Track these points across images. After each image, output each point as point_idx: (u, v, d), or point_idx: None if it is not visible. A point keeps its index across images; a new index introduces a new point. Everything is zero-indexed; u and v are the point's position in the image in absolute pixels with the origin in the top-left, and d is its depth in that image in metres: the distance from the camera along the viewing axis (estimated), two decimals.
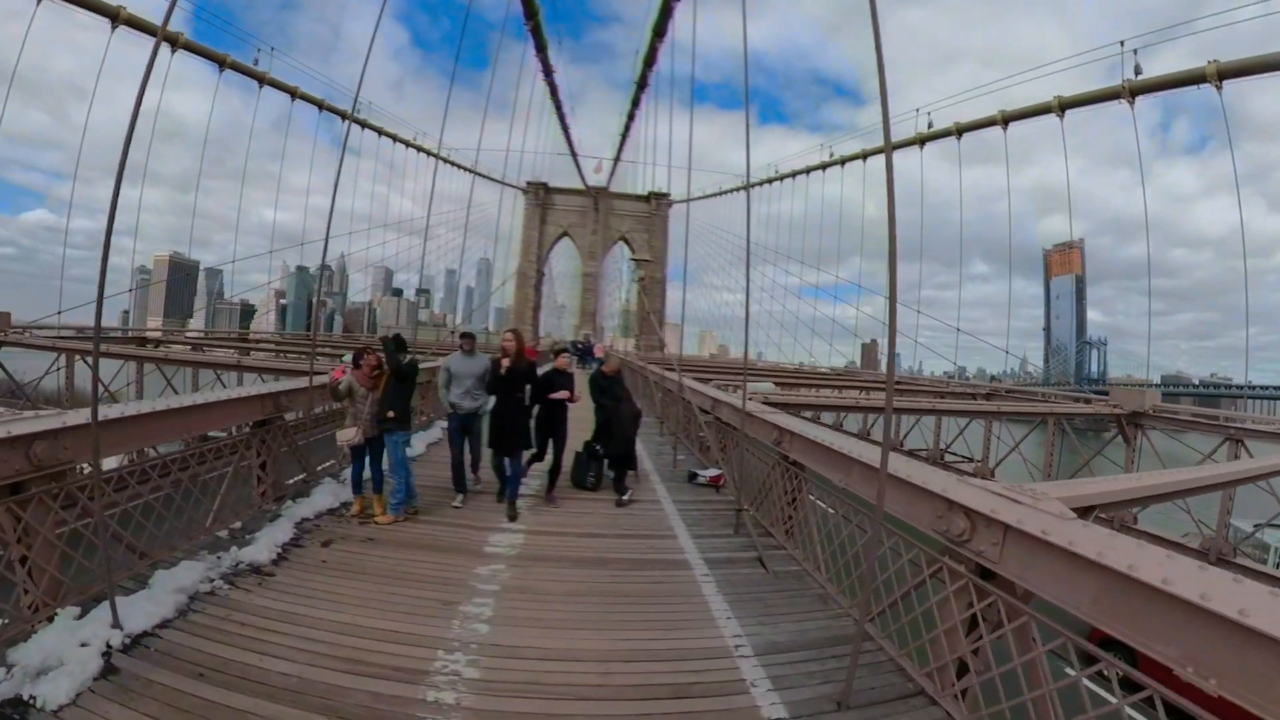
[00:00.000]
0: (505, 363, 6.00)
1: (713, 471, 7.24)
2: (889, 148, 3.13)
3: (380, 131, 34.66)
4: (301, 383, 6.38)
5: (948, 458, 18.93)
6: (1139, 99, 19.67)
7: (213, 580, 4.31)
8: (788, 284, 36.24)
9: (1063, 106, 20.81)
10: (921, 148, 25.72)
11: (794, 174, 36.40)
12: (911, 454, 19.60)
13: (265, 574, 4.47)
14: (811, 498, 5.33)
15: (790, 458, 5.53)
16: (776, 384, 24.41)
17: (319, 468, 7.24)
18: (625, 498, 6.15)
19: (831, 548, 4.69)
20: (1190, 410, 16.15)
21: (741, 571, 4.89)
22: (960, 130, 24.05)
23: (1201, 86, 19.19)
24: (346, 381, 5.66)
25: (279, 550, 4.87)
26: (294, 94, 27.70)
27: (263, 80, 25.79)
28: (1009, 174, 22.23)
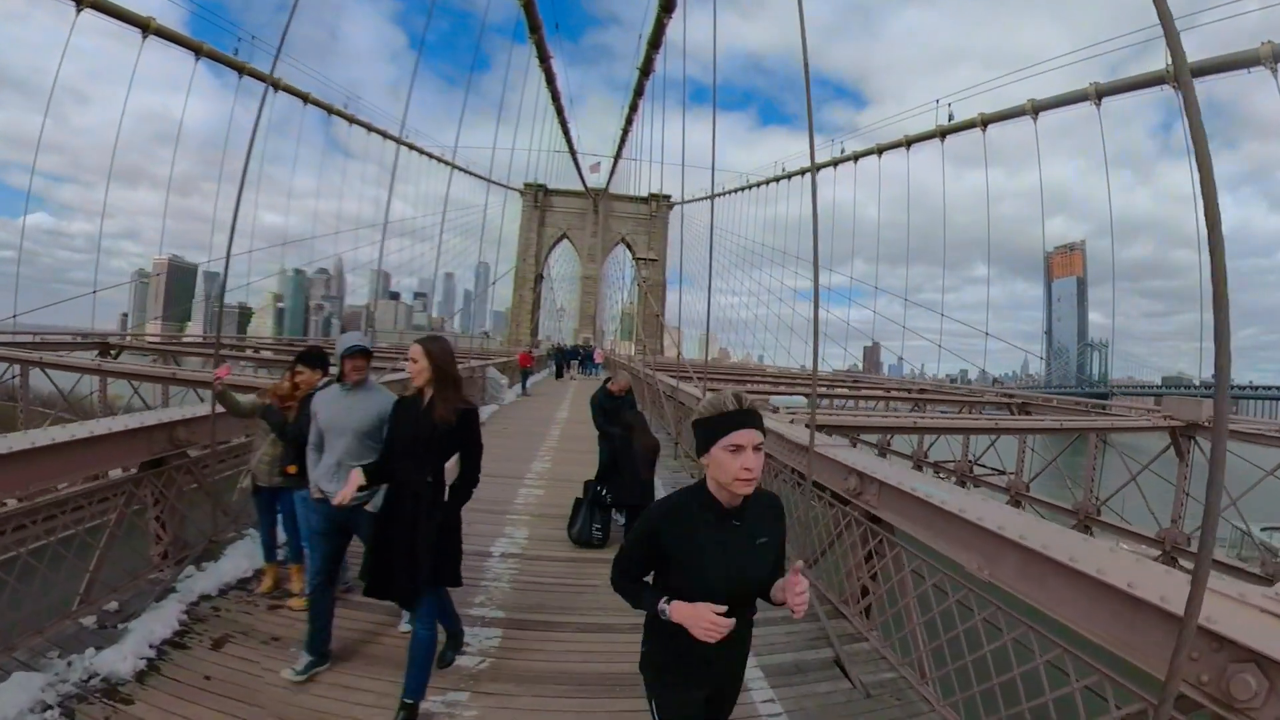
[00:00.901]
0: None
1: None
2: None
3: (366, 126, 33.20)
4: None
5: (976, 470, 17.42)
6: (1140, 99, 18.40)
7: (48, 707, 2.82)
8: (791, 287, 34.99)
9: (1100, 94, 19.35)
10: (943, 140, 24.28)
11: (802, 171, 34.92)
12: (937, 468, 18.05)
13: (121, 699, 2.95)
14: (909, 564, 3.79)
15: (875, 515, 3.99)
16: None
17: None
18: None
19: (961, 662, 3.14)
20: (1254, 422, 14.74)
21: (819, 689, 3.34)
22: (985, 121, 22.58)
23: (1252, 70, 17.81)
24: (251, 401, 4.12)
25: (152, 653, 3.34)
26: (276, 85, 26.19)
27: (242, 70, 24.34)
28: (1040, 168, 20.78)
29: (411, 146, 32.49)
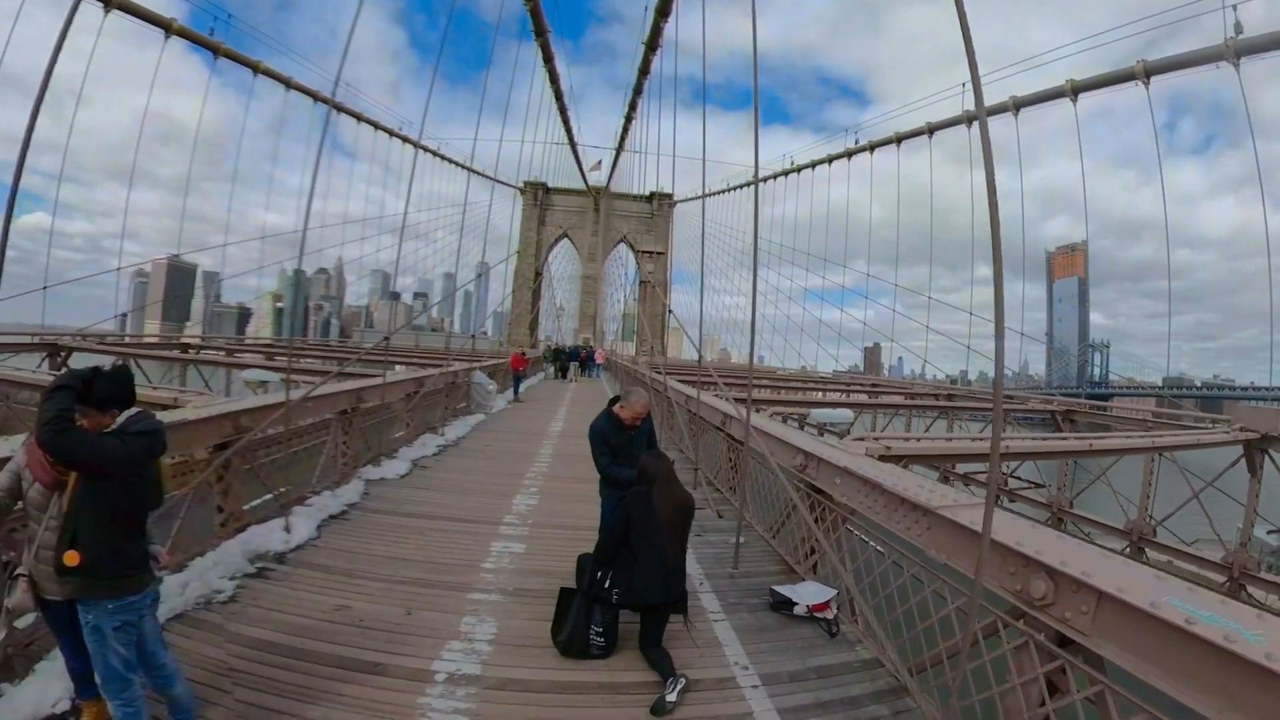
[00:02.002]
0: None
1: (815, 592, 3.98)
2: None
3: (356, 116, 31.59)
4: None
5: (1012, 484, 15.74)
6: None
7: None
8: (793, 287, 33.72)
9: (1148, 73, 17.68)
10: (970, 127, 22.58)
11: (814, 164, 33.35)
12: (966, 479, 16.36)
13: None
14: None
15: (1067, 637, 2.33)
16: (793, 390, 21.04)
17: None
18: (671, 695, 2.83)
19: None
20: None
21: None
22: (1017, 105, 20.91)
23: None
24: (8, 474, 2.43)
25: None
26: (255, 69, 24.63)
27: (217, 51, 22.67)
28: (1082, 154, 19.11)
29: (360, 117, 30.76)
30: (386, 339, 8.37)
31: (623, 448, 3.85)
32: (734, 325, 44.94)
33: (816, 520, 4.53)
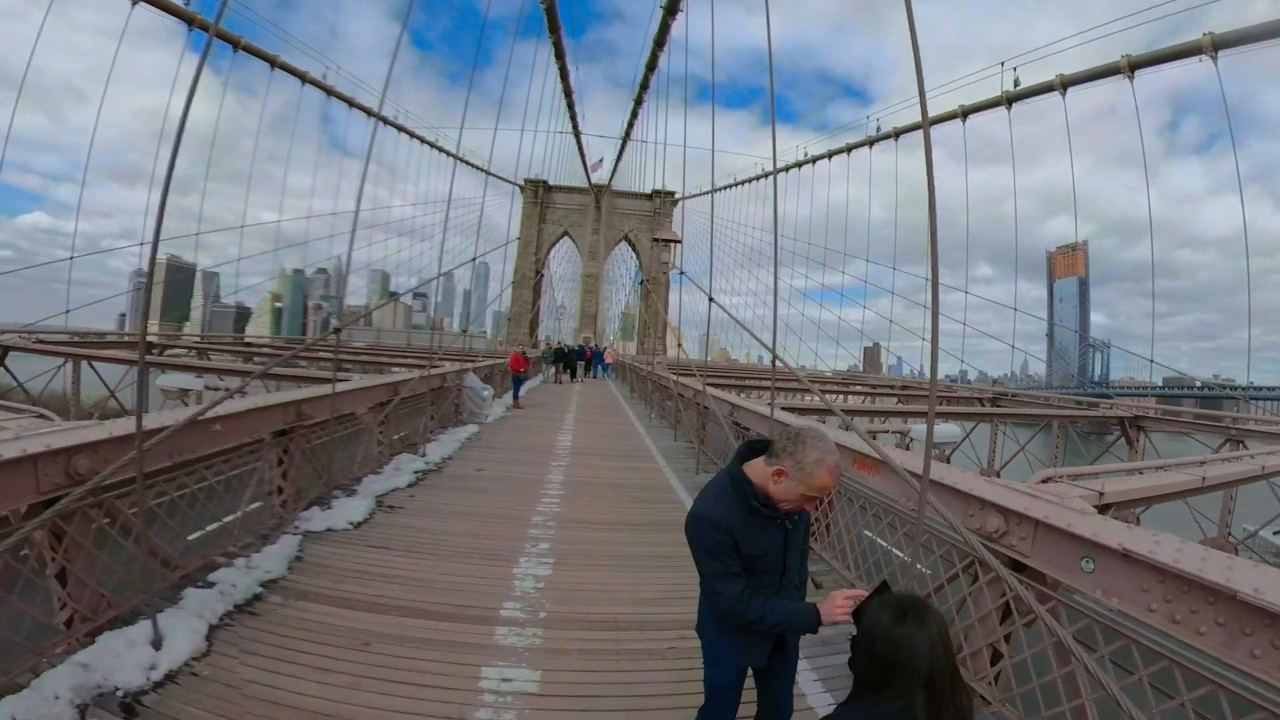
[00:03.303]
0: None
1: None
2: None
3: (348, 101, 29.76)
4: None
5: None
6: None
7: None
8: (795, 286, 32.61)
9: (1216, 46, 15.95)
10: (1009, 108, 20.86)
11: (830, 154, 31.67)
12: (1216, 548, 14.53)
13: None
14: None
15: None
16: (820, 390, 19.28)
17: None
18: None
19: None
20: None
21: None
22: (1065, 84, 19.15)
23: None
24: None
25: None
26: (236, 45, 22.78)
27: (192, 22, 20.80)
28: (1141, 129, 17.37)
29: (331, 91, 28.85)
30: (336, 331, 6.52)
31: (767, 558, 1.80)
32: (726, 326, 43.55)
33: (1006, 609, 2.76)
